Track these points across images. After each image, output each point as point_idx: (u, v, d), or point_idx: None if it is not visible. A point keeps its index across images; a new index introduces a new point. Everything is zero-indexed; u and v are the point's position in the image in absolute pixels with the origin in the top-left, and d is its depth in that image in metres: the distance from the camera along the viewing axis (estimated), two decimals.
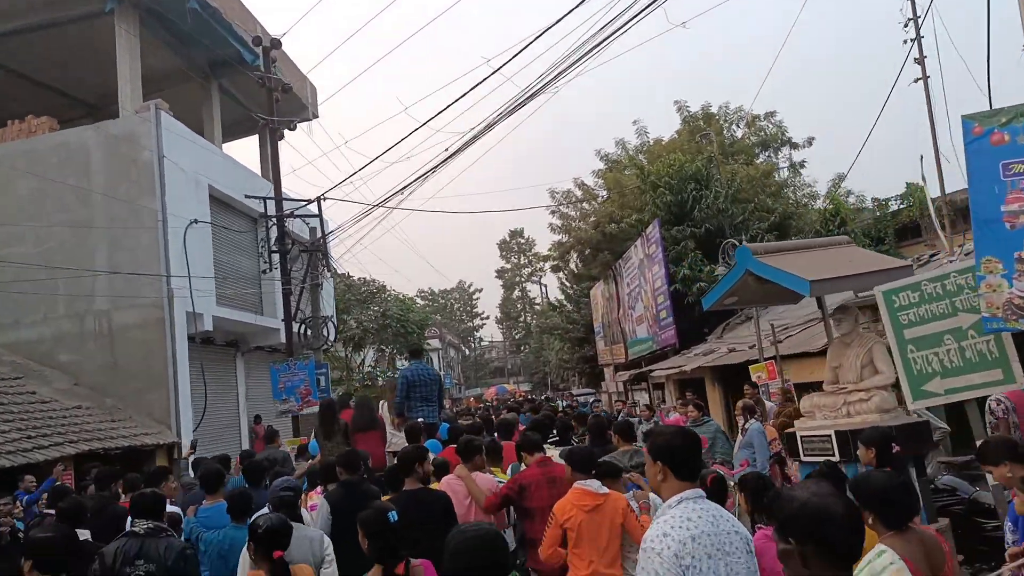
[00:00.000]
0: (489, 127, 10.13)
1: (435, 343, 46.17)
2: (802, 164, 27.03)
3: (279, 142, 16.31)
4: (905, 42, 15.24)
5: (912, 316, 5.68)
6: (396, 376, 12.17)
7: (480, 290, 71.34)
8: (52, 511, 5.76)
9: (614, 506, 4.45)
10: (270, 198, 15.24)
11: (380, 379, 35.09)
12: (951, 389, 5.49)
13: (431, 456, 5.90)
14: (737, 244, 15.53)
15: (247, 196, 15.57)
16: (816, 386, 13.86)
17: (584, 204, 31.14)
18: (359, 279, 33.28)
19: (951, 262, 10.25)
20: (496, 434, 7.79)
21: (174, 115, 14.24)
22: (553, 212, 31.49)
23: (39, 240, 13.49)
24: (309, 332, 15.65)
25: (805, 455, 6.47)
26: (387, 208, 15.43)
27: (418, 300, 49.21)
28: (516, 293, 68.03)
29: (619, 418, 11.21)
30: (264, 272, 15.97)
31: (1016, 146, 4.78)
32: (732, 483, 6.82)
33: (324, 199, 15.47)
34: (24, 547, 3.54)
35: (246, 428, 16.51)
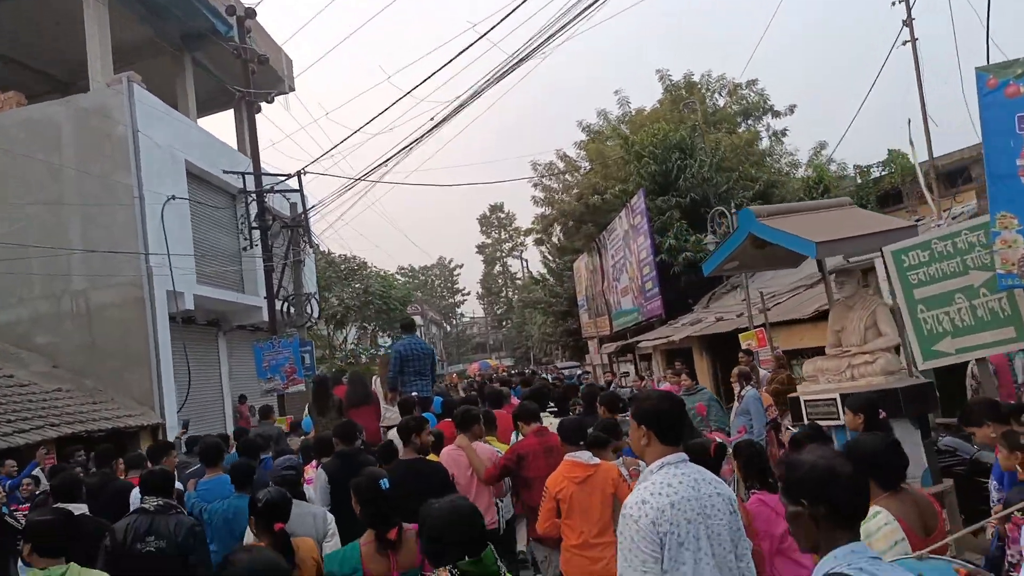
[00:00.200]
0: (476, 94, 9.87)
1: (417, 320, 45.91)
2: (784, 132, 26.95)
3: (256, 116, 15.91)
4: (894, 3, 15.06)
5: (922, 275, 5.57)
6: (388, 351, 11.97)
7: (461, 266, 70.96)
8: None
9: (605, 476, 4.47)
10: (249, 173, 14.89)
11: (363, 357, 34.83)
12: (962, 348, 5.40)
13: (429, 427, 5.84)
14: (726, 212, 15.46)
15: (225, 171, 15.19)
16: (806, 352, 13.94)
17: (567, 176, 30.88)
18: (340, 256, 32.83)
19: (938, 226, 10.20)
20: (487, 404, 7.78)
21: (147, 90, 13.80)
22: (536, 185, 31.24)
23: (10, 219, 13.09)
24: (292, 309, 15.39)
25: (809, 419, 6.38)
26: (369, 182, 15.16)
27: (399, 277, 48.84)
28: (497, 268, 67.77)
29: (607, 390, 11.17)
30: (244, 249, 15.64)
31: None
32: (729, 450, 6.76)
33: (304, 173, 15.14)
34: (23, 530, 3.53)
35: (230, 408, 16.29)
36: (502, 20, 9.50)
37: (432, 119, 10.96)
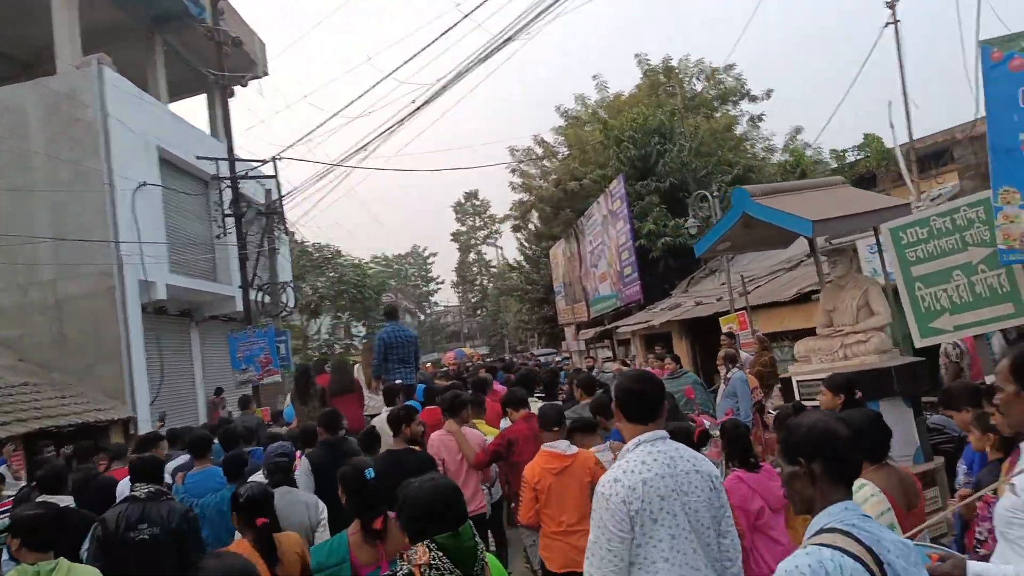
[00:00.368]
0: (460, 75, 9.67)
1: None
2: (760, 117, 26.97)
3: (229, 100, 15.55)
4: None
5: (920, 252, 5.52)
6: (370, 339, 11.81)
7: (435, 254, 70.49)
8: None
9: (582, 465, 4.50)
10: (223, 159, 14.55)
11: (337, 347, 34.45)
12: (960, 325, 5.36)
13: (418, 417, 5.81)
14: (708, 196, 15.42)
15: (199, 157, 14.82)
16: (786, 335, 13.99)
17: (544, 162, 30.69)
18: (313, 245, 32.41)
19: (918, 208, 10.22)
20: (471, 391, 7.74)
21: (117, 72, 13.38)
22: (514, 171, 31.01)
23: None
24: (267, 299, 15.11)
25: (803, 399, 6.35)
26: (347, 167, 14.88)
27: (372, 266, 48.29)
28: (472, 256, 67.47)
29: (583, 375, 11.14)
30: (218, 237, 15.31)
31: None
32: (716, 432, 6.73)
33: (280, 159, 14.83)
34: (10, 525, 3.46)
35: (203, 400, 15.97)
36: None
37: (414, 101, 10.74)
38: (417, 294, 68.42)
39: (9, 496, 5.72)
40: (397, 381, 8.20)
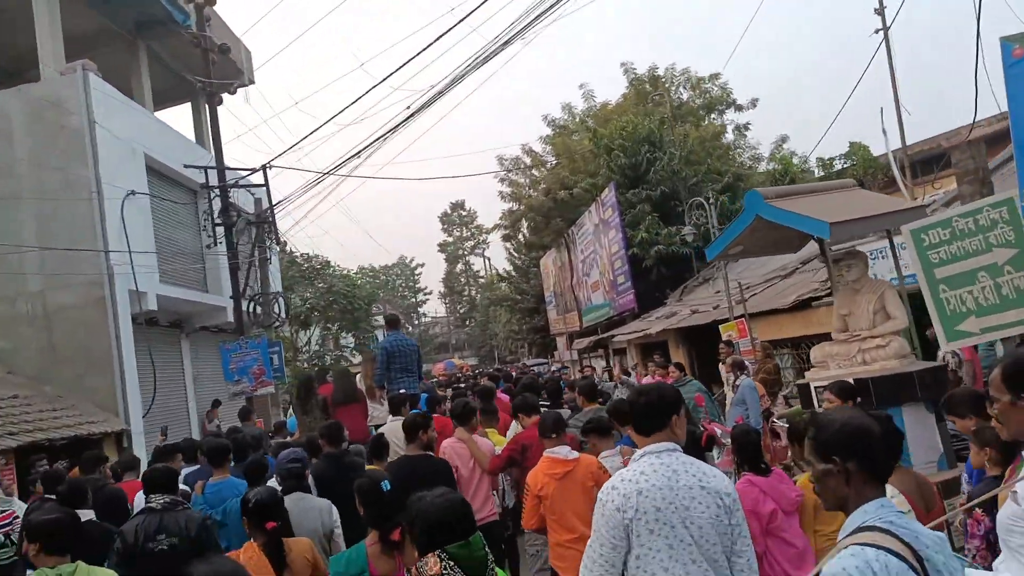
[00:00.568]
0: (456, 80, 9.53)
1: (380, 320, 45.13)
2: (747, 126, 27.10)
3: (217, 108, 15.31)
4: None
5: (943, 254, 5.41)
6: (371, 349, 11.65)
7: (422, 265, 70.21)
8: (51, 496, 5.57)
9: (585, 471, 4.55)
10: (212, 167, 14.32)
11: (327, 359, 34.05)
12: (987, 328, 5.25)
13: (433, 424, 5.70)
14: (705, 202, 15.36)
15: (186, 166, 14.55)
16: (785, 343, 13.91)
17: (533, 171, 30.63)
18: (302, 255, 32.12)
19: None
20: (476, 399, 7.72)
21: (102, 79, 13.12)
22: (502, 180, 30.94)
23: None
24: (259, 309, 14.87)
25: (820, 405, 6.22)
26: (339, 176, 14.67)
27: (358, 278, 47.95)
28: (459, 267, 67.29)
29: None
30: (208, 247, 15.03)
31: None
32: (727, 441, 6.63)
33: (271, 167, 14.61)
34: (28, 531, 3.46)
35: (195, 412, 15.66)
36: (483, 2, 9.18)
37: (408, 107, 10.58)
38: (405, 305, 68.08)
39: (3, 511, 5.49)
40: (401, 390, 8.05)
